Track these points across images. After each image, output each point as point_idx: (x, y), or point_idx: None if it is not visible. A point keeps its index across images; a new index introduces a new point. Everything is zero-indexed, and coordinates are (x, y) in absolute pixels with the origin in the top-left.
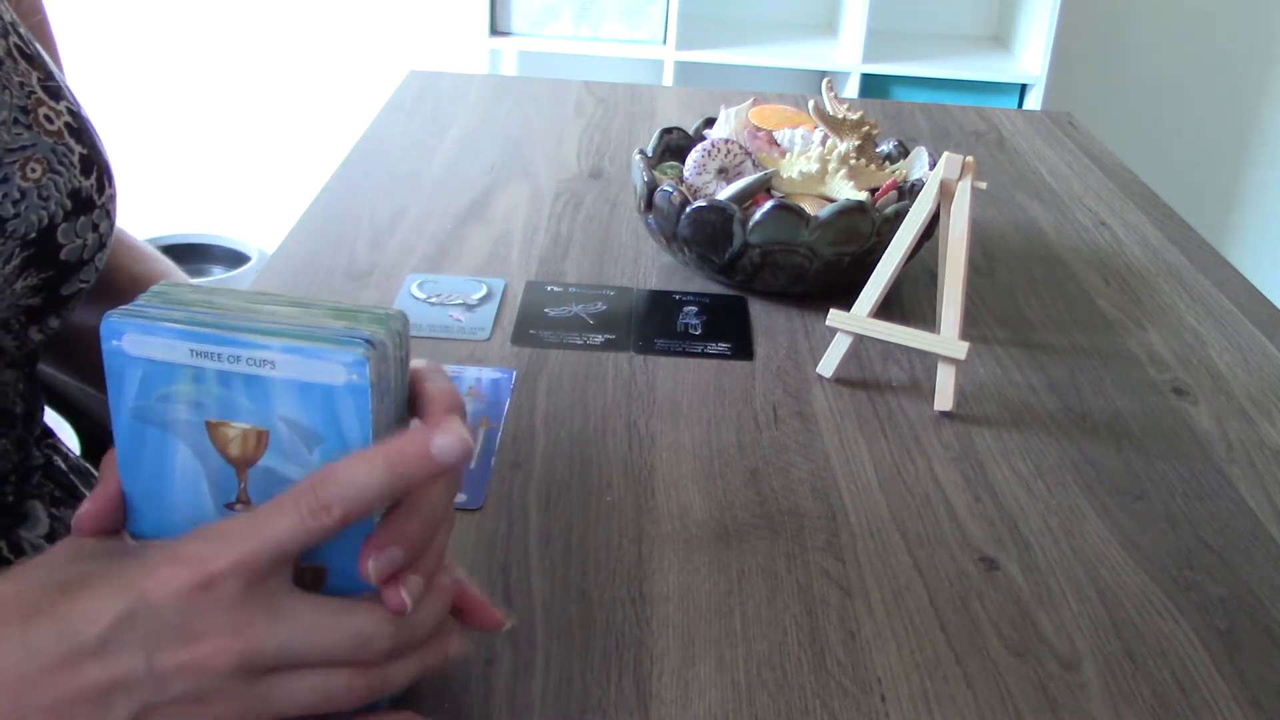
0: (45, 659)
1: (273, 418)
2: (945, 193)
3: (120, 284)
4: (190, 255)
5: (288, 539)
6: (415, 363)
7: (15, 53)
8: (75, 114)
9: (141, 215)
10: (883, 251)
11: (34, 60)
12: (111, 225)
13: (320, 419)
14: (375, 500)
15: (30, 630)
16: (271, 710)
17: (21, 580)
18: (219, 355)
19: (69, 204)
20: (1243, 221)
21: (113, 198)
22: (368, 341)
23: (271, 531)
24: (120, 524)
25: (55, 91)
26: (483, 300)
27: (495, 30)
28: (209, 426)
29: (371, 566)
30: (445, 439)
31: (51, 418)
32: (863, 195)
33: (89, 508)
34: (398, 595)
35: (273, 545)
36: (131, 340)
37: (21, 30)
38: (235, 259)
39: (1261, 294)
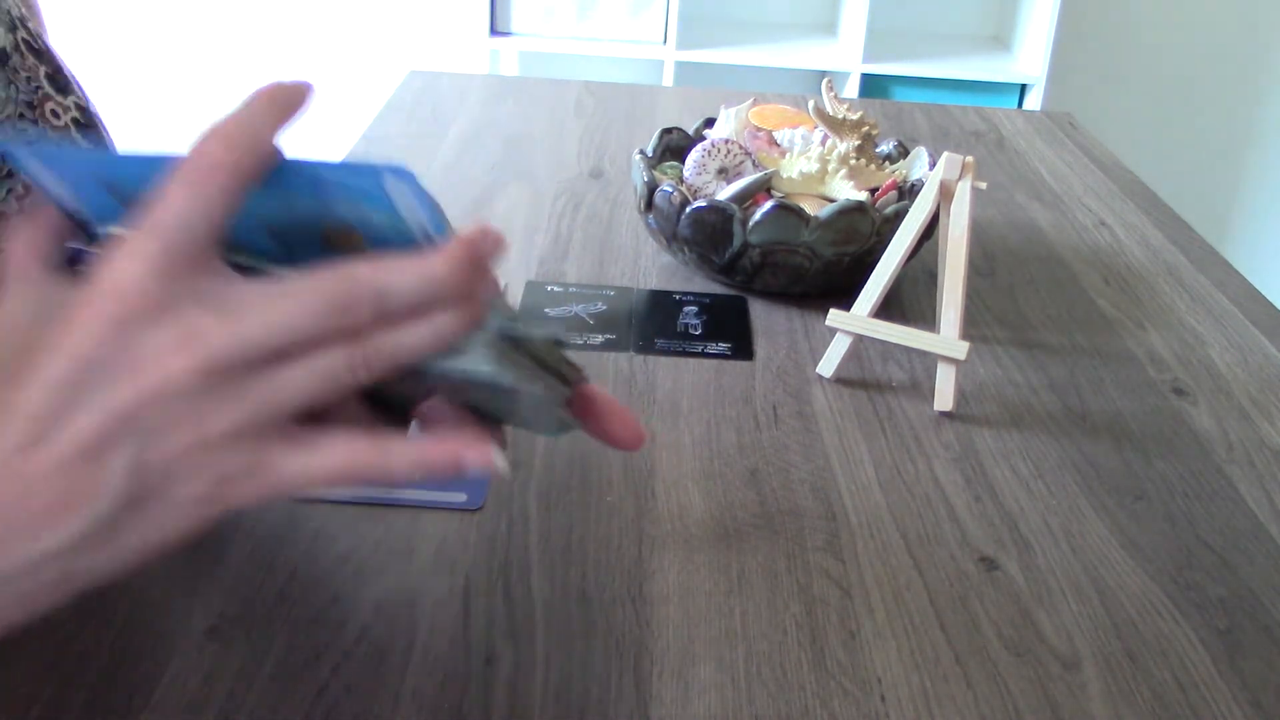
0: (13, 450)
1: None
2: (945, 193)
3: None
4: None
5: (188, 216)
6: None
7: (23, 47)
8: (84, 109)
9: None
10: (883, 251)
11: (42, 55)
12: None
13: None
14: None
15: None
16: (273, 405)
17: None
18: None
19: None
20: (1243, 221)
21: None
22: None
23: (170, 216)
24: (55, 249)
25: (64, 86)
26: None
27: (495, 30)
28: None
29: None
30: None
31: None
32: (863, 195)
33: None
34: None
35: (178, 231)
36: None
37: (30, 25)
38: None
39: (1261, 294)
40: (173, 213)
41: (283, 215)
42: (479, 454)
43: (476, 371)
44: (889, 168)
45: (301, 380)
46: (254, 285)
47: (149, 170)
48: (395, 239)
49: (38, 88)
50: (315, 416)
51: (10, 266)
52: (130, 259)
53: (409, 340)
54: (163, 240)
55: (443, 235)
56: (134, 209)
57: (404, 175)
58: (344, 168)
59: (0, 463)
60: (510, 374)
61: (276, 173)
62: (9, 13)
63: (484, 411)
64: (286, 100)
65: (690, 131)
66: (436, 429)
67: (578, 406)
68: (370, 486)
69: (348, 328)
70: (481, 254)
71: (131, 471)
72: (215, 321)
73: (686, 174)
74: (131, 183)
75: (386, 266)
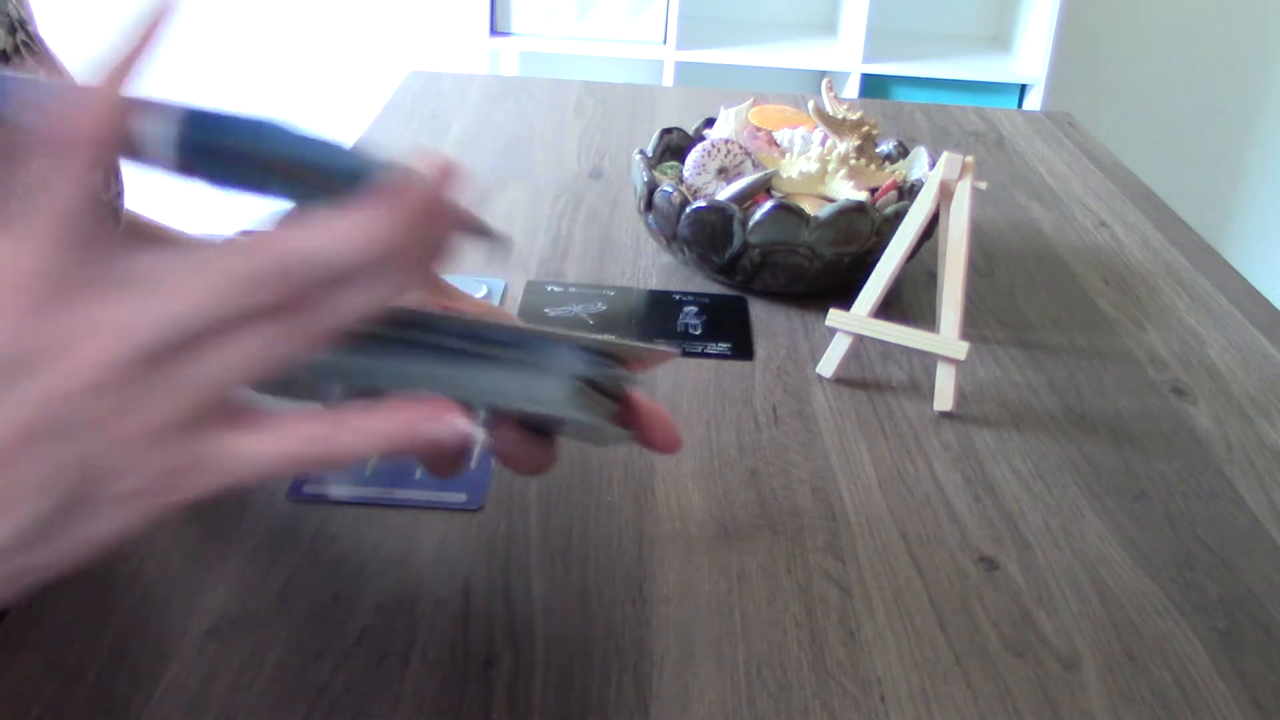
0: None
1: None
2: (945, 193)
3: None
4: None
5: (70, 190)
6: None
7: (23, 49)
8: None
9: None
10: (883, 251)
11: (42, 57)
12: (118, 221)
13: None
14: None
15: None
16: (208, 389)
17: None
18: None
19: None
20: (1243, 221)
21: (120, 194)
22: None
23: (53, 195)
24: None
25: None
26: (483, 300)
27: (495, 30)
28: None
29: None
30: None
31: None
32: (863, 195)
33: None
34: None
35: (64, 208)
36: None
37: (30, 27)
38: None
39: (1261, 294)
40: (54, 190)
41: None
42: (441, 423)
43: (559, 416)
44: (889, 168)
45: (234, 361)
46: (171, 259)
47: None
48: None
49: None
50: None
51: None
52: (20, 244)
53: (348, 309)
54: (51, 219)
55: (384, 174)
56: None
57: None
58: (256, 124)
59: None
60: (589, 415)
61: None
62: (9, 15)
63: (538, 428)
64: (141, 39)
65: (690, 131)
66: (505, 450)
67: (620, 412)
68: (336, 468)
69: (278, 301)
70: (427, 203)
71: (58, 472)
72: (131, 305)
73: (686, 174)
74: None
75: (315, 231)
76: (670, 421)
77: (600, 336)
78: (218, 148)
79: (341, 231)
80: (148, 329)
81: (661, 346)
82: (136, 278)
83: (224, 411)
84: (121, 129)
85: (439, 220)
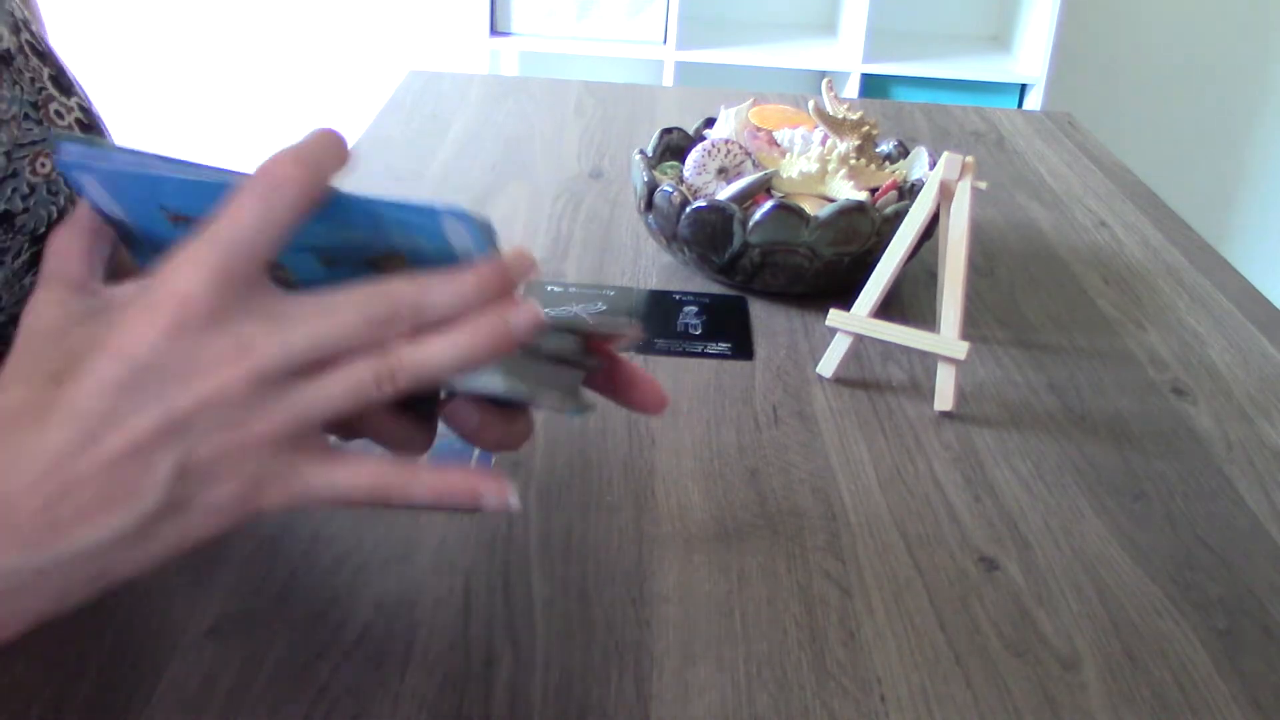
0: (64, 449)
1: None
2: (945, 193)
3: (130, 273)
4: None
5: (252, 229)
6: None
7: (27, 49)
8: (86, 110)
9: None
10: (883, 251)
11: (45, 57)
12: None
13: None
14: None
15: (41, 431)
16: (309, 414)
17: (13, 385)
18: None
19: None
20: (1243, 221)
21: None
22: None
23: (234, 228)
24: (99, 256)
25: (67, 87)
26: None
27: (495, 30)
28: None
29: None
30: (489, 487)
31: None
32: (863, 195)
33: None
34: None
35: (240, 246)
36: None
37: (33, 27)
38: None
39: (1260, 294)
40: (237, 225)
41: (333, 242)
42: (497, 494)
43: (492, 389)
44: (889, 168)
45: (334, 390)
46: (299, 297)
47: (206, 194)
48: (439, 263)
49: (41, 89)
50: (348, 426)
51: (49, 265)
52: (191, 267)
53: (435, 356)
54: (224, 251)
55: (484, 256)
56: (185, 228)
57: (462, 217)
58: (405, 208)
59: (50, 460)
60: (524, 387)
61: (334, 206)
62: (12, 15)
63: (507, 403)
64: (342, 144)
65: (690, 131)
66: (462, 425)
67: (603, 377)
68: (393, 508)
69: (383, 340)
70: (510, 274)
71: (175, 473)
72: (264, 332)
73: (686, 174)
74: (186, 205)
75: (423, 282)
76: (654, 381)
77: (560, 314)
78: (346, 241)
79: (448, 285)
80: (273, 353)
81: (621, 322)
82: (274, 311)
83: (312, 440)
84: (319, 192)
85: (513, 298)
